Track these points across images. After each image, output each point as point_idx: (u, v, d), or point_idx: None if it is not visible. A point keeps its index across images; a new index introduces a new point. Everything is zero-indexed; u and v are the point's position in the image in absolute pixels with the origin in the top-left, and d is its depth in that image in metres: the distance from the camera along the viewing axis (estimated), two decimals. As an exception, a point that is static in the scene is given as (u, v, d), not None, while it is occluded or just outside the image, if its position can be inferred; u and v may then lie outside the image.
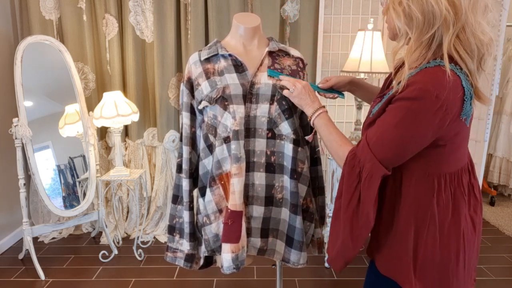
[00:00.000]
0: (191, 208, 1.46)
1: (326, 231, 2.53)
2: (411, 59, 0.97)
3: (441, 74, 0.92)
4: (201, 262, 1.50)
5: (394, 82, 1.00)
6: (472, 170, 1.12)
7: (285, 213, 1.40)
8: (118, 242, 2.89)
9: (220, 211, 1.36)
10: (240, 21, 1.44)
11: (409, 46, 0.97)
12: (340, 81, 1.41)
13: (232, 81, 1.33)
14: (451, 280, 1.05)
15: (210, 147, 1.39)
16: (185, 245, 1.48)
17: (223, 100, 1.31)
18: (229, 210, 1.31)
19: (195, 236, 1.48)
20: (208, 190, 1.37)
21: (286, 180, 1.37)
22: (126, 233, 3.05)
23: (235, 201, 1.31)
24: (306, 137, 1.44)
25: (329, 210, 2.52)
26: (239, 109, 1.31)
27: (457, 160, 1.05)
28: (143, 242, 2.89)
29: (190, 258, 1.48)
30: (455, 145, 1.02)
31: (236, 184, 1.30)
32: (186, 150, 1.43)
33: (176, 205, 1.49)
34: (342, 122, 2.95)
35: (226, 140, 1.32)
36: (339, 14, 2.81)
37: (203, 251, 1.46)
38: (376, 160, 0.99)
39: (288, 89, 1.30)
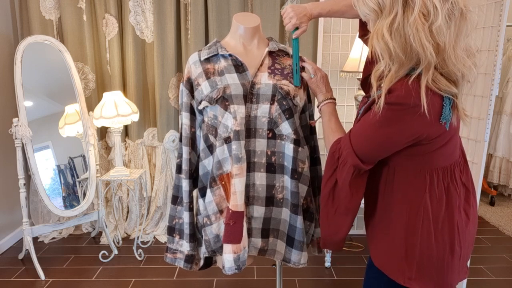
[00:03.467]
0: (191, 209, 1.45)
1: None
2: (390, 84, 0.99)
3: (418, 84, 0.95)
4: (201, 262, 1.50)
5: (372, 90, 1.03)
6: (464, 164, 1.15)
7: (285, 213, 1.39)
8: (118, 242, 2.89)
9: (221, 211, 1.36)
10: (240, 21, 1.44)
11: (389, 75, 0.98)
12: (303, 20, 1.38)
13: (232, 81, 1.33)
14: (446, 272, 1.08)
15: (210, 148, 1.38)
16: (185, 246, 1.48)
17: (223, 100, 1.31)
18: (230, 211, 1.31)
19: (195, 237, 1.47)
20: (208, 190, 1.37)
21: (286, 180, 1.36)
22: (126, 233, 3.05)
23: (236, 202, 1.31)
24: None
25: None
26: (239, 109, 1.31)
27: (448, 155, 1.07)
28: (143, 242, 2.89)
29: (190, 259, 1.48)
30: (442, 144, 1.04)
31: (238, 185, 1.30)
32: (185, 150, 1.43)
33: (175, 206, 1.49)
34: (342, 122, 2.94)
35: (227, 140, 1.32)
36: (339, 14, 2.80)
37: (203, 252, 1.45)
38: (352, 150, 1.07)
39: (307, 73, 1.37)
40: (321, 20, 2.77)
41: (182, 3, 2.86)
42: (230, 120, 1.31)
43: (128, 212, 3.13)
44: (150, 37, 2.93)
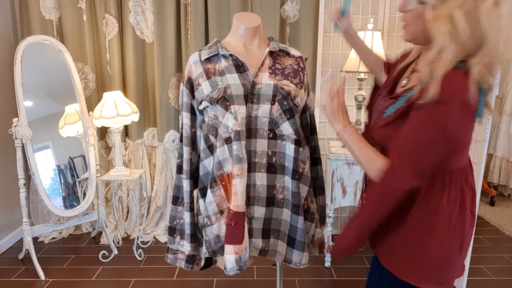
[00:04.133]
0: (192, 209, 1.45)
1: (326, 231, 2.53)
2: (444, 71, 0.94)
3: (465, 78, 0.92)
4: (202, 263, 1.50)
5: (416, 87, 0.97)
6: (471, 164, 1.16)
7: (286, 213, 1.39)
8: (118, 242, 2.89)
9: (221, 212, 1.36)
10: (241, 20, 1.43)
11: (444, 61, 0.93)
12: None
13: (233, 81, 1.33)
14: (452, 270, 1.08)
15: (211, 148, 1.38)
16: (186, 246, 1.47)
17: (224, 101, 1.31)
18: (231, 211, 1.31)
19: (196, 237, 1.47)
20: (209, 191, 1.36)
21: (287, 181, 1.36)
22: (126, 233, 3.05)
23: (237, 202, 1.30)
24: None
25: (329, 210, 2.52)
26: (240, 110, 1.31)
27: (464, 156, 1.07)
28: (143, 242, 2.88)
29: (191, 259, 1.48)
30: (467, 143, 1.04)
31: (239, 185, 1.30)
32: (186, 150, 1.43)
33: (176, 206, 1.48)
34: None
35: (227, 140, 1.31)
36: (339, 14, 2.80)
37: (204, 252, 1.45)
38: (409, 171, 0.98)
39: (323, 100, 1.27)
40: (321, 20, 2.77)
41: (182, 3, 2.85)
42: (231, 120, 1.30)
43: (128, 212, 3.13)
44: (150, 37, 2.93)
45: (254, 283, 2.40)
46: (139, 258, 2.68)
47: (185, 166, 1.43)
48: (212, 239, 1.39)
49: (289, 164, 1.35)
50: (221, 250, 1.39)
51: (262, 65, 1.38)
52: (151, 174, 3.12)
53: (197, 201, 1.45)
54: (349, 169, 2.46)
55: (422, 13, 0.99)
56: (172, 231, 1.50)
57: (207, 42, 2.88)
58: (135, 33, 2.90)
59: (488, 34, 0.90)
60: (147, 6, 2.87)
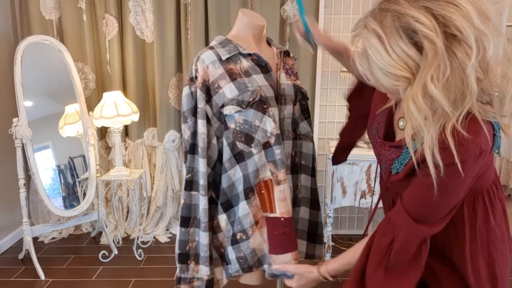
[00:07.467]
0: (210, 228, 1.28)
1: (326, 231, 2.53)
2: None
3: (477, 126, 0.82)
4: (224, 282, 1.36)
5: (417, 148, 0.85)
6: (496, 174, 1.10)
7: (304, 211, 1.40)
8: (118, 242, 2.89)
9: (256, 223, 1.27)
10: (250, 17, 1.33)
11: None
12: (329, 45, 1.30)
13: (262, 82, 1.23)
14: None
15: (238, 156, 1.25)
16: (203, 271, 1.29)
17: (261, 103, 1.20)
18: (282, 219, 1.23)
19: (212, 258, 1.32)
20: (244, 202, 1.25)
21: (306, 179, 1.38)
22: (126, 233, 3.05)
23: (287, 208, 1.24)
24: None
25: (329, 210, 2.52)
26: (276, 112, 1.24)
27: (493, 168, 1.02)
28: (143, 242, 2.88)
29: (211, 284, 1.30)
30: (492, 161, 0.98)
31: (287, 190, 1.24)
32: (202, 163, 1.23)
33: (188, 228, 1.28)
34: (342, 122, 2.96)
35: (266, 145, 1.22)
36: (339, 14, 2.81)
37: (235, 270, 1.31)
38: (415, 224, 0.91)
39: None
40: (321, 19, 2.77)
41: (182, 3, 2.85)
42: (270, 123, 1.21)
43: (128, 212, 3.13)
44: (150, 37, 2.93)
45: (254, 283, 2.40)
46: (139, 258, 2.68)
47: (202, 181, 1.24)
48: (248, 254, 1.27)
49: (307, 162, 1.37)
50: (257, 264, 1.30)
51: (277, 64, 1.32)
52: (151, 174, 3.12)
53: (214, 217, 1.32)
54: (349, 169, 2.46)
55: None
56: (184, 258, 1.30)
57: (207, 42, 2.88)
58: (135, 33, 2.90)
59: (473, 88, 0.78)
60: (147, 6, 2.87)
